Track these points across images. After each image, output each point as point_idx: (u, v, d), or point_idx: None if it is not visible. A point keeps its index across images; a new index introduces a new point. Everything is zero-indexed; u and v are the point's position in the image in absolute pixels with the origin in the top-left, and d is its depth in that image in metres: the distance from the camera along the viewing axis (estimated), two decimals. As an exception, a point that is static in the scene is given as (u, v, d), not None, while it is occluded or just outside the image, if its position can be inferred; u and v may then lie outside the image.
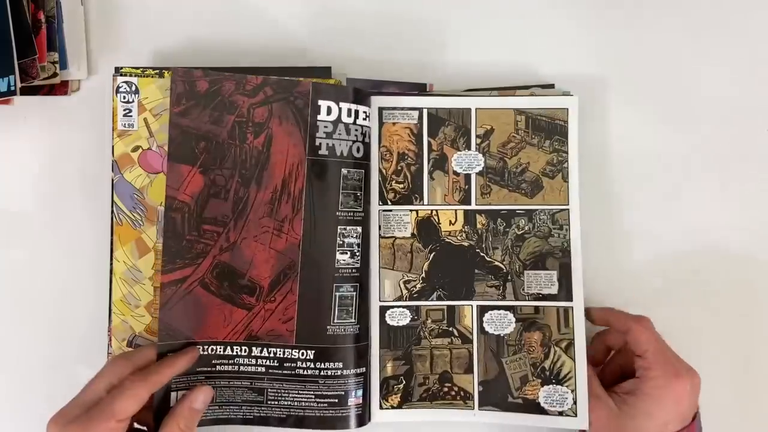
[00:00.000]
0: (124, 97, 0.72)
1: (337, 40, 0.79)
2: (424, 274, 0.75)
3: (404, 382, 0.75)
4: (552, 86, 0.77)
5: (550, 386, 0.74)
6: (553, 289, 0.74)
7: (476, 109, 0.75)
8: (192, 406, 0.67)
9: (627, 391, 0.69)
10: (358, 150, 0.72)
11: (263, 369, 0.72)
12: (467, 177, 0.75)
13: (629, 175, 0.79)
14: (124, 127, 0.72)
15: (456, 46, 0.79)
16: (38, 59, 0.72)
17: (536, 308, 0.75)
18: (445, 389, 0.75)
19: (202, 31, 0.78)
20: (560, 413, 0.74)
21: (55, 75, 0.74)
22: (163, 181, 0.72)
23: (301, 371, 0.71)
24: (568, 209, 0.74)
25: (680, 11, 0.80)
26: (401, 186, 0.75)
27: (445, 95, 0.75)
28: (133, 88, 0.72)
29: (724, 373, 0.78)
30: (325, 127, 0.71)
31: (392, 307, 0.75)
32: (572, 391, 0.73)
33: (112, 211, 0.72)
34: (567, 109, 0.74)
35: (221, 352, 0.71)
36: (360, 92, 0.72)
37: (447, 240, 0.75)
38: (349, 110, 0.72)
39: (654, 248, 0.79)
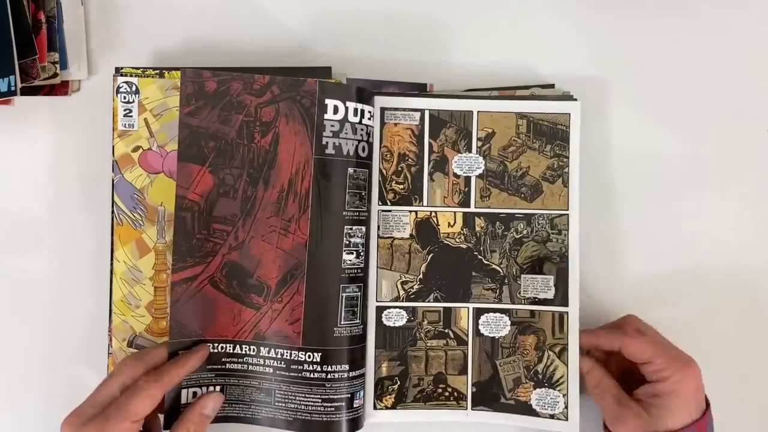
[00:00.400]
0: (125, 97, 0.72)
1: (337, 40, 0.78)
2: (421, 276, 0.75)
3: (399, 382, 0.75)
4: (552, 86, 0.77)
5: (543, 389, 0.74)
6: (549, 294, 0.74)
7: (478, 111, 0.75)
8: (202, 412, 0.68)
9: (650, 395, 0.69)
10: (363, 149, 0.72)
11: (271, 370, 0.72)
12: (467, 179, 0.75)
13: (629, 176, 0.79)
14: (125, 127, 0.72)
15: (456, 46, 0.79)
16: (38, 59, 0.72)
17: (532, 312, 0.75)
18: (439, 390, 0.75)
19: (202, 31, 0.78)
20: (551, 416, 0.74)
21: (55, 75, 0.74)
22: (164, 181, 0.72)
23: (308, 374, 0.71)
24: (567, 214, 0.74)
25: (681, 12, 0.79)
26: (401, 187, 0.75)
27: (445, 96, 0.75)
28: (134, 88, 0.72)
29: (724, 373, 0.78)
30: (332, 126, 0.71)
31: (389, 307, 0.75)
32: (564, 395, 0.74)
33: (113, 211, 0.72)
34: (569, 114, 0.74)
35: (231, 351, 0.72)
36: (364, 91, 0.72)
37: (445, 242, 0.75)
38: (356, 109, 0.72)
39: (654, 249, 0.79)
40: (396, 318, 0.75)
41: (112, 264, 0.73)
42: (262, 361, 0.72)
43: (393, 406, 0.75)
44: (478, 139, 0.75)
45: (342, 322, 0.72)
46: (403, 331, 0.75)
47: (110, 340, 0.73)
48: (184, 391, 0.70)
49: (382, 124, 0.75)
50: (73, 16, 0.76)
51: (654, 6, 0.79)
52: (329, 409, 0.72)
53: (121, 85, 0.72)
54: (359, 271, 0.73)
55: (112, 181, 0.72)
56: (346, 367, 0.72)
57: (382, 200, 0.75)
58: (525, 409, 0.75)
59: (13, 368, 0.77)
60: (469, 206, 0.75)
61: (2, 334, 0.77)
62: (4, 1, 0.70)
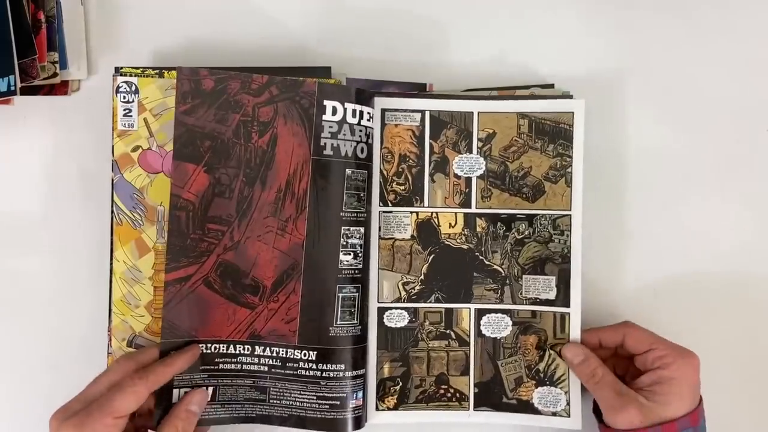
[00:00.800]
0: (124, 97, 0.72)
1: (337, 40, 0.78)
2: (423, 276, 0.75)
3: (401, 383, 0.75)
4: (552, 86, 0.77)
5: (544, 387, 0.75)
6: (551, 295, 0.74)
7: (478, 112, 0.75)
8: (188, 408, 0.68)
9: (651, 382, 0.70)
10: (362, 151, 0.72)
11: (266, 368, 0.72)
12: (468, 180, 0.75)
13: (629, 177, 0.79)
14: (124, 127, 0.72)
15: (456, 46, 0.79)
16: (38, 59, 0.72)
17: (533, 312, 0.75)
18: (441, 391, 0.75)
19: (202, 31, 0.77)
20: (554, 413, 0.75)
21: (55, 75, 0.74)
22: (163, 181, 0.72)
23: (303, 372, 0.72)
24: (570, 215, 0.74)
25: (681, 12, 0.80)
26: (402, 188, 0.75)
27: (445, 96, 0.75)
28: (133, 88, 0.72)
29: (724, 373, 0.78)
30: (330, 127, 0.71)
31: (390, 308, 0.75)
32: (566, 392, 0.74)
33: (112, 211, 0.72)
34: (572, 112, 0.74)
35: (224, 351, 0.72)
36: (364, 93, 0.72)
37: (446, 242, 0.75)
38: (354, 111, 0.71)
39: (655, 250, 0.79)
40: (397, 319, 0.75)
41: (111, 264, 0.72)
42: (256, 360, 0.72)
43: (395, 407, 0.75)
44: (479, 139, 0.75)
45: (338, 322, 0.72)
46: (405, 332, 0.75)
47: (110, 339, 0.72)
48: (175, 392, 0.70)
49: (383, 125, 0.75)
50: (73, 16, 0.75)
51: (654, 6, 0.79)
52: (324, 406, 0.72)
53: (120, 85, 0.72)
54: (357, 271, 0.72)
55: (112, 180, 0.72)
56: (342, 366, 0.72)
57: (383, 201, 0.75)
58: (527, 407, 0.75)
59: (13, 368, 0.76)
60: (470, 207, 0.75)
61: (2, 334, 0.76)
62: (4, 1, 0.69)
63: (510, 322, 0.75)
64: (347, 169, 0.71)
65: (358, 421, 0.73)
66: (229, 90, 0.70)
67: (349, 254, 0.72)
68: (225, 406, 0.72)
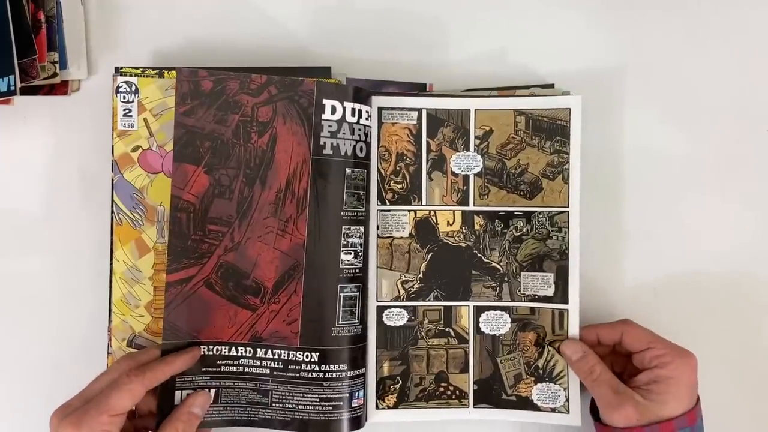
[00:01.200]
0: (124, 97, 0.72)
1: (337, 40, 0.79)
2: (421, 275, 0.75)
3: (400, 382, 0.75)
4: (552, 86, 0.77)
5: (544, 384, 0.74)
6: (549, 291, 0.74)
7: (475, 110, 0.75)
8: (190, 411, 0.68)
9: (648, 381, 0.69)
10: (361, 150, 0.72)
11: (268, 371, 0.72)
12: (465, 178, 0.75)
13: (628, 176, 0.79)
14: (124, 127, 0.72)
15: (456, 46, 0.79)
16: (38, 59, 0.72)
17: (531, 309, 0.75)
18: (441, 389, 0.75)
19: (202, 31, 0.78)
20: (553, 410, 0.74)
21: (55, 75, 0.74)
22: (163, 181, 0.72)
23: (305, 374, 0.71)
24: (567, 211, 0.74)
25: (681, 12, 0.79)
26: (400, 186, 0.75)
27: (444, 96, 0.75)
28: (133, 88, 0.72)
29: (723, 373, 0.78)
30: (330, 126, 0.71)
31: (389, 307, 0.75)
32: (565, 389, 0.74)
33: (112, 211, 0.72)
34: (569, 109, 0.74)
35: (226, 353, 0.71)
36: (361, 91, 0.72)
37: (445, 240, 0.75)
38: (353, 110, 0.72)
39: (654, 249, 0.79)
40: (396, 317, 0.75)
41: (111, 264, 0.73)
42: (258, 363, 0.72)
43: (395, 406, 0.75)
44: (476, 137, 0.75)
45: (340, 322, 0.72)
46: (404, 331, 0.75)
47: (110, 339, 0.73)
48: (177, 393, 0.70)
49: (380, 123, 0.75)
50: (73, 16, 0.76)
51: (654, 6, 0.79)
52: (327, 408, 0.71)
53: (120, 85, 0.72)
54: (357, 271, 0.72)
55: (112, 180, 0.72)
56: (344, 366, 0.72)
57: (381, 200, 0.75)
58: (526, 404, 0.75)
59: (14, 368, 0.77)
60: (467, 205, 0.75)
61: (2, 334, 0.77)
62: (4, 1, 0.70)
63: (509, 319, 0.75)
64: (347, 168, 0.71)
65: (359, 421, 0.73)
66: (228, 90, 0.70)
67: (350, 253, 0.72)
68: (227, 409, 0.72)
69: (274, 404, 0.72)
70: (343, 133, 0.71)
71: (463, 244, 0.75)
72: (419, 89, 0.77)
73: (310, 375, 0.71)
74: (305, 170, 0.71)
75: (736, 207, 0.79)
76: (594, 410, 0.73)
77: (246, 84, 0.70)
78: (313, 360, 0.71)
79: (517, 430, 0.78)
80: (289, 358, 0.71)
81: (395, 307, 0.75)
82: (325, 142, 0.71)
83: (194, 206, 0.70)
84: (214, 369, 0.71)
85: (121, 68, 0.73)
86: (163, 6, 0.78)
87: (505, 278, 0.75)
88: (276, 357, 0.71)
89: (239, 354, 0.72)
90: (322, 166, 0.71)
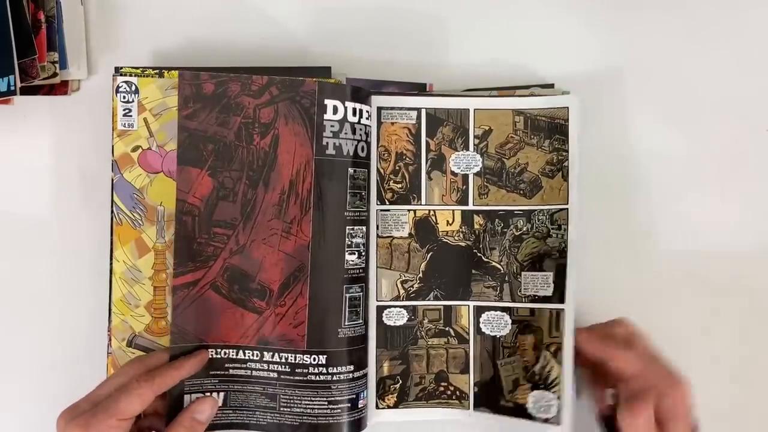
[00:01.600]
0: (124, 97, 0.72)
1: (337, 40, 0.79)
2: (421, 274, 0.75)
3: (400, 381, 0.75)
4: (552, 86, 0.77)
5: (539, 392, 0.74)
6: (548, 291, 0.74)
7: (474, 109, 0.75)
8: (194, 416, 0.68)
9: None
10: (362, 149, 0.72)
11: (275, 375, 0.71)
12: (465, 177, 0.75)
13: (628, 176, 0.79)
14: (124, 127, 0.72)
15: (456, 46, 0.79)
16: (38, 59, 0.72)
17: (531, 311, 0.75)
18: (441, 389, 0.75)
19: (202, 31, 0.78)
20: (546, 420, 0.73)
21: (55, 75, 0.75)
22: (163, 181, 0.72)
23: (313, 377, 0.71)
24: (567, 209, 0.74)
25: (681, 12, 0.79)
26: (399, 186, 0.75)
27: (444, 95, 0.75)
28: (133, 88, 0.72)
29: (724, 374, 0.78)
30: (332, 126, 0.71)
31: (389, 306, 0.75)
32: (558, 398, 0.73)
33: (112, 211, 0.72)
34: (567, 107, 0.74)
35: (234, 356, 0.71)
36: (361, 91, 0.72)
37: (444, 240, 0.75)
38: (354, 109, 0.71)
39: (653, 248, 0.79)
40: (396, 317, 0.75)
41: (111, 264, 0.72)
42: (266, 366, 0.72)
43: (395, 406, 0.75)
44: (476, 136, 0.75)
45: (346, 323, 0.71)
46: (404, 330, 0.75)
47: (110, 339, 0.72)
48: (186, 397, 0.70)
49: (379, 123, 0.75)
50: (73, 16, 0.76)
51: (654, 6, 0.79)
52: (336, 411, 0.71)
53: (120, 85, 0.72)
54: (361, 271, 0.72)
55: (112, 180, 0.72)
56: (351, 368, 0.72)
57: (381, 200, 0.75)
58: (522, 412, 0.74)
59: (13, 368, 0.77)
60: (467, 204, 0.75)
61: (2, 334, 0.77)
62: (4, 1, 0.70)
63: (509, 321, 0.75)
64: (349, 168, 0.71)
65: (364, 422, 0.73)
66: (230, 92, 0.70)
67: (354, 254, 0.72)
68: (236, 412, 0.72)
69: (282, 409, 0.72)
70: (345, 133, 0.71)
71: (462, 244, 0.75)
72: (419, 89, 0.77)
73: (317, 378, 0.71)
74: (308, 171, 0.71)
75: (736, 207, 0.79)
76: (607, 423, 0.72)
77: (247, 86, 0.70)
78: (320, 363, 0.71)
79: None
80: (297, 362, 0.71)
81: (395, 306, 0.75)
82: (327, 143, 0.71)
83: (199, 209, 0.70)
84: (222, 372, 0.71)
85: (121, 68, 0.73)
86: (163, 6, 0.78)
87: (506, 278, 0.75)
88: (283, 361, 0.71)
89: (246, 357, 0.71)
90: (325, 166, 0.71)
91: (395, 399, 0.75)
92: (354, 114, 0.71)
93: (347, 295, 0.71)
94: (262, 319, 0.71)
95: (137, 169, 0.73)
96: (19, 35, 0.71)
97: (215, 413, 0.70)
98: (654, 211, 0.79)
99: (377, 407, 0.75)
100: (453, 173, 0.75)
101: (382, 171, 0.75)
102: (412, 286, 0.75)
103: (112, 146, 0.72)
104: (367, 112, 0.72)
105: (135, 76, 0.72)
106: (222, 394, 0.71)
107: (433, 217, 0.75)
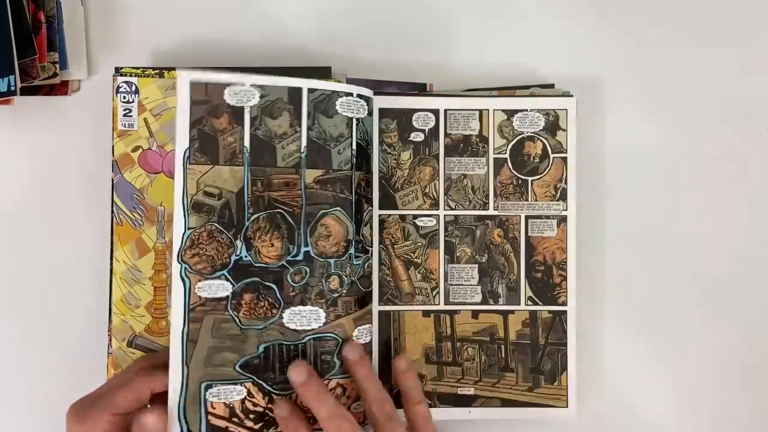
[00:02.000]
0: (124, 97, 0.72)
1: (337, 40, 0.79)
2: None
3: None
4: (552, 86, 0.77)
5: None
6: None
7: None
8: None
9: None
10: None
11: None
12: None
13: (627, 177, 0.79)
14: (124, 127, 0.72)
15: (456, 46, 0.79)
16: (38, 59, 0.72)
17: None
18: None
19: (202, 31, 0.78)
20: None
21: (55, 75, 0.74)
22: (163, 181, 0.72)
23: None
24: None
25: (680, 11, 0.80)
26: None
27: (444, 95, 0.75)
28: (133, 88, 0.72)
29: (723, 374, 0.78)
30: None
31: None
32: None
33: (112, 211, 0.72)
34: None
35: None
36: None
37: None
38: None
39: (652, 249, 0.79)
40: None
41: (111, 264, 0.72)
42: None
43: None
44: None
45: None
46: None
47: (110, 340, 0.72)
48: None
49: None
50: (73, 16, 0.76)
51: (654, 6, 0.80)
52: None
53: (120, 85, 0.72)
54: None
55: (112, 180, 0.72)
56: None
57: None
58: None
59: (13, 368, 0.76)
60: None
61: (2, 334, 0.76)
62: (4, 1, 0.70)
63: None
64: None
65: None
66: None
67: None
68: None
69: None
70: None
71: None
72: (419, 89, 0.77)
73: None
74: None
75: (736, 207, 0.79)
76: None
77: None
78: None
79: (518, 428, 0.78)
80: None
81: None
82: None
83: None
84: None
85: (121, 68, 0.72)
86: (163, 6, 0.78)
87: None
88: None
89: None
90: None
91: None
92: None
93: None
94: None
95: (137, 169, 0.72)
96: (19, 35, 0.71)
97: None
98: (654, 211, 0.79)
99: None
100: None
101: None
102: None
103: (112, 146, 0.72)
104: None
105: (135, 76, 0.72)
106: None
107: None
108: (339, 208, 0.70)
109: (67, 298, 0.76)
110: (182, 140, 0.67)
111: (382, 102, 0.74)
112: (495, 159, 0.75)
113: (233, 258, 0.68)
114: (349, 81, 0.75)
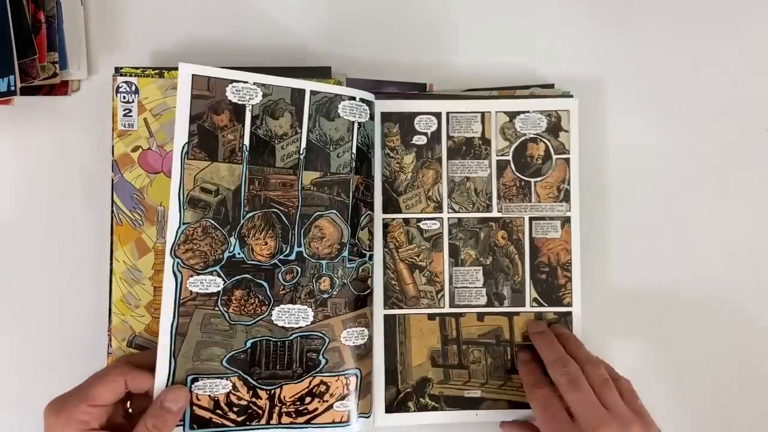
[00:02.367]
0: (124, 97, 0.72)
1: (337, 40, 0.78)
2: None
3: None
4: (552, 86, 0.77)
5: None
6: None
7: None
8: (163, 405, 0.66)
9: None
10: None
11: None
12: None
13: (628, 177, 0.79)
14: (124, 127, 0.72)
15: (456, 46, 0.79)
16: (38, 59, 0.72)
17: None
18: None
19: (202, 31, 0.78)
20: None
21: (55, 75, 0.74)
22: (163, 181, 0.72)
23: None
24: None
25: (680, 11, 0.80)
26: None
27: (444, 96, 0.75)
28: (133, 88, 0.72)
29: (724, 374, 0.78)
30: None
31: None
32: None
33: (112, 211, 0.72)
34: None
35: None
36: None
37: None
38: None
39: (652, 250, 0.79)
40: None
41: (111, 264, 0.72)
42: None
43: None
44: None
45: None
46: None
47: (110, 339, 0.72)
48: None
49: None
50: (73, 16, 0.76)
51: (654, 6, 0.80)
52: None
53: (120, 85, 0.72)
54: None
55: (112, 180, 0.72)
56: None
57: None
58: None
59: (13, 368, 0.76)
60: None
61: (2, 334, 0.76)
62: (4, 1, 0.70)
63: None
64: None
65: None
66: None
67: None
68: None
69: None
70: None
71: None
72: (419, 89, 0.77)
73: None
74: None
75: (736, 207, 0.79)
76: None
77: None
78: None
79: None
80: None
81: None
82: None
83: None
84: None
85: (121, 68, 0.73)
86: (163, 6, 0.78)
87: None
88: None
89: None
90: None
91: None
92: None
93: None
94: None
95: (137, 169, 0.72)
96: (19, 35, 0.71)
97: (185, 402, 0.67)
98: (653, 211, 0.79)
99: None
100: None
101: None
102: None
103: (112, 146, 0.72)
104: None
105: (135, 76, 0.72)
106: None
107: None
108: (334, 211, 0.70)
109: (67, 298, 0.76)
110: (181, 135, 0.68)
111: (383, 106, 0.74)
112: (498, 161, 0.75)
113: (226, 255, 0.69)
114: (349, 81, 0.75)
